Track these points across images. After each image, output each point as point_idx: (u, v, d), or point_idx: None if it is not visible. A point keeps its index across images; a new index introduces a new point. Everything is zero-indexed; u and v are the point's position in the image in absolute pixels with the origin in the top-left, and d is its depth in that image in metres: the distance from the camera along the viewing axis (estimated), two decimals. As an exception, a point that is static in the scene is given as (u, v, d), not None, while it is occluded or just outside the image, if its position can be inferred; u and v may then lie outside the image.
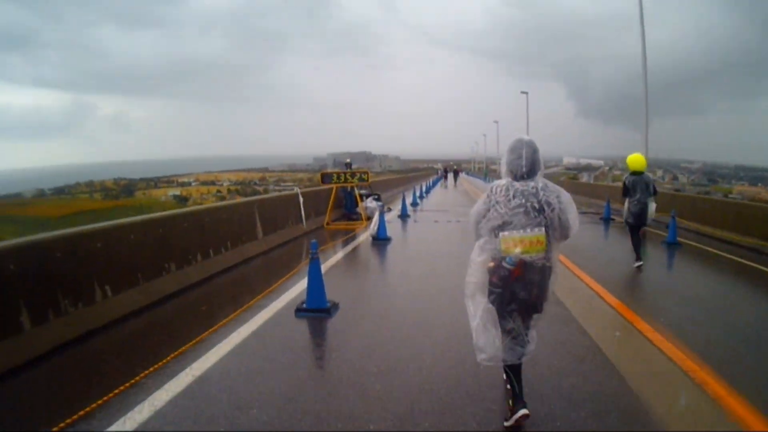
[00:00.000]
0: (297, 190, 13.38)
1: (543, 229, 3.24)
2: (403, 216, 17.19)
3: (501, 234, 3.26)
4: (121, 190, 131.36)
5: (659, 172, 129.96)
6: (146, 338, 5.34)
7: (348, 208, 16.62)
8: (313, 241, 5.99)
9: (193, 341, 4.99)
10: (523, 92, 49.29)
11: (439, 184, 48.68)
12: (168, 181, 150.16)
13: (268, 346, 4.94)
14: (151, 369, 4.33)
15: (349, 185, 15.10)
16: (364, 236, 12.08)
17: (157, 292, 6.64)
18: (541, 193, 3.24)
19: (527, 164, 3.31)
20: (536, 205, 3.23)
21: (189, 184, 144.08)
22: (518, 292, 3.29)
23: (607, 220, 16.17)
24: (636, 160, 8.72)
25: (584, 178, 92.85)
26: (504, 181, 3.38)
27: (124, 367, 4.39)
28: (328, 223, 14.32)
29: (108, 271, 5.92)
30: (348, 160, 17.02)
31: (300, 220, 12.93)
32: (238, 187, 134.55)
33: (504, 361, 3.39)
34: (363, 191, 17.36)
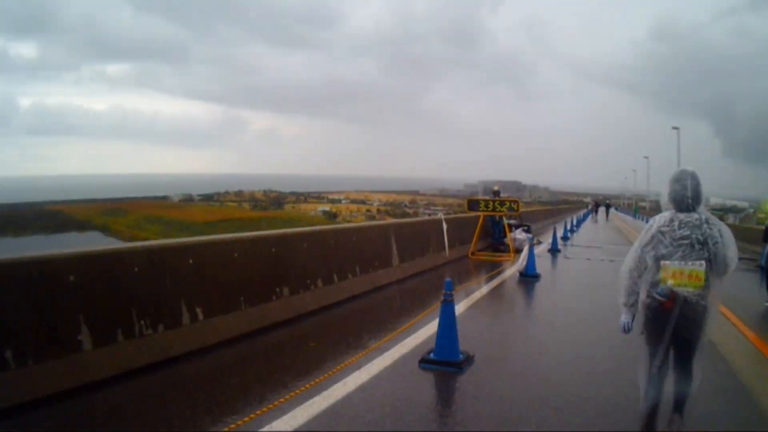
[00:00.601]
0: (441, 215, 12.99)
1: (704, 263, 3.10)
2: (554, 250, 15.92)
3: (662, 263, 3.16)
4: (270, 202, 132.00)
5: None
6: (231, 376, 4.52)
7: (495, 239, 15.69)
8: (447, 279, 4.91)
9: (288, 395, 3.97)
10: (674, 128, 47.84)
11: (589, 218, 45.89)
12: (318, 197, 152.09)
13: (374, 408, 3.85)
14: (222, 423, 3.49)
15: (497, 214, 14.49)
16: (511, 271, 11.11)
17: (262, 318, 5.90)
18: (705, 226, 3.12)
19: (692, 195, 3.20)
20: (700, 238, 3.11)
21: (339, 201, 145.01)
22: (668, 327, 3.14)
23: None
24: None
25: (730, 219, 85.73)
26: (668, 213, 3.28)
27: (188, 412, 3.66)
28: (473, 253, 13.71)
29: (201, 291, 5.27)
30: (496, 188, 16.32)
31: (443, 247, 12.49)
32: (389, 207, 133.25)
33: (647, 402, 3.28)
34: (512, 221, 16.56)
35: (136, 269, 4.71)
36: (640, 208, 76.84)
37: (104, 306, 4.36)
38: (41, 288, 4.02)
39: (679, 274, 3.11)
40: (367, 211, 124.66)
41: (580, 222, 33.12)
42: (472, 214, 14.23)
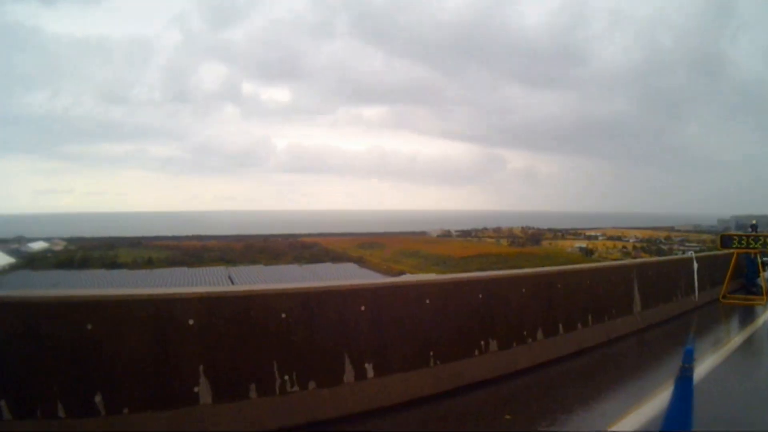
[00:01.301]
0: (692, 254, 11.94)
1: None
2: None
3: None
4: (528, 238, 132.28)
5: None
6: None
7: (747, 279, 13.68)
8: (689, 346, 3.37)
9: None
10: None
11: None
12: (575, 233, 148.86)
13: None
14: None
15: (752, 252, 12.74)
16: (764, 318, 9.88)
17: (455, 378, 5.08)
18: None
19: None
20: None
21: (596, 237, 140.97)
22: None
23: None
24: None
25: None
26: None
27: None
28: (724, 296, 12.27)
29: (373, 341, 4.67)
30: (754, 222, 14.43)
31: (692, 290, 11.29)
32: (644, 243, 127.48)
33: None
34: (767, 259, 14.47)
35: (283, 315, 4.15)
36: None
37: (232, 355, 3.89)
38: (155, 330, 3.70)
39: None
40: (623, 247, 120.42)
41: None
42: (724, 251, 12.78)
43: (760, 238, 12.01)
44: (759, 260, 12.95)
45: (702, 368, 5.42)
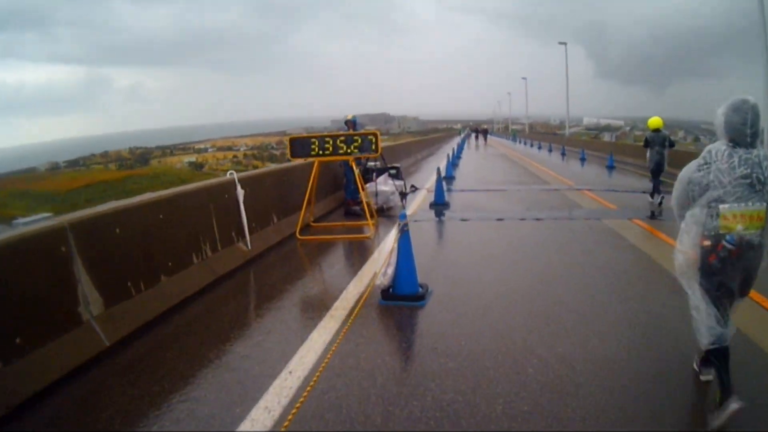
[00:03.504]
0: (233, 175, 6.69)
1: (765, 203, 2.84)
2: (438, 204, 10.56)
3: (721, 207, 2.87)
4: (136, 160, 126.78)
5: (680, 133, 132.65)
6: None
7: (348, 194, 10.18)
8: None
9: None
10: (561, 43, 46.66)
11: (465, 145, 40.81)
12: (184, 148, 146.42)
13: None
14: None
15: (343, 159, 8.45)
16: (370, 272, 5.67)
17: None
18: (765, 163, 2.83)
19: (752, 129, 2.87)
20: (761, 177, 2.82)
21: (206, 150, 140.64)
22: (734, 273, 2.95)
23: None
24: (654, 121, 10.52)
25: (606, 138, 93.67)
26: (723, 146, 2.93)
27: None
28: (304, 228, 7.86)
29: None
30: (349, 117, 10.42)
31: (239, 235, 6.48)
32: (255, 151, 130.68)
33: (713, 345, 2.93)
34: (373, 164, 10.83)
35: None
36: (517, 132, 75.57)
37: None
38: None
39: (744, 217, 2.84)
40: (234, 157, 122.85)
41: (458, 153, 27.92)
42: (298, 162, 8.26)
43: (357, 138, 7.74)
44: (357, 169, 8.74)
45: None
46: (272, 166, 8.61)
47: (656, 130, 10.41)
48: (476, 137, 57.05)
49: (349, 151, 7.79)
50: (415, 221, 8.48)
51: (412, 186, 12.89)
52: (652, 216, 9.08)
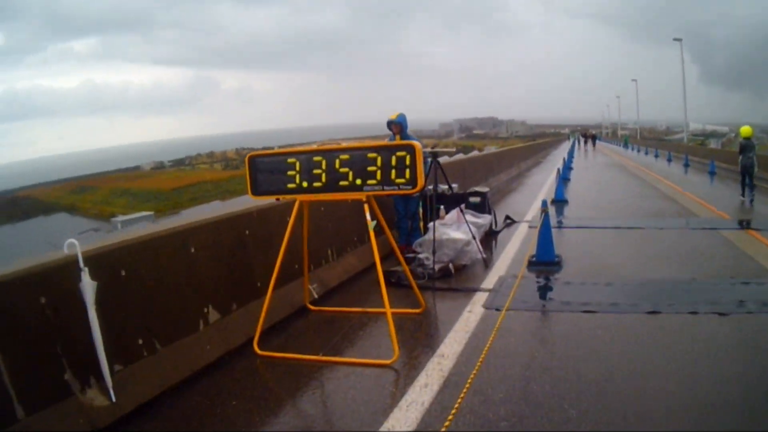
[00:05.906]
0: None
1: None
2: (542, 263, 6.13)
3: None
4: (242, 160, 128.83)
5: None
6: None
7: (403, 237, 6.60)
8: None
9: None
10: (676, 39, 43.56)
11: (575, 152, 34.95)
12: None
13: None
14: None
15: (349, 199, 4.29)
16: None
17: None
18: None
19: None
20: None
21: None
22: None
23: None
24: (746, 129, 11.67)
25: (712, 144, 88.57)
26: None
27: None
28: (285, 322, 4.16)
29: None
30: (393, 116, 6.43)
31: (85, 378, 2.93)
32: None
33: None
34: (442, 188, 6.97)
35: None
36: (629, 137, 68.49)
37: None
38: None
39: None
40: None
41: (570, 160, 23.24)
42: (266, 199, 4.51)
43: (376, 157, 3.95)
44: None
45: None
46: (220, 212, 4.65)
47: (747, 138, 11.53)
48: (585, 142, 54.59)
49: (357, 183, 3.93)
50: (496, 309, 4.51)
51: (508, 218, 8.86)
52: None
